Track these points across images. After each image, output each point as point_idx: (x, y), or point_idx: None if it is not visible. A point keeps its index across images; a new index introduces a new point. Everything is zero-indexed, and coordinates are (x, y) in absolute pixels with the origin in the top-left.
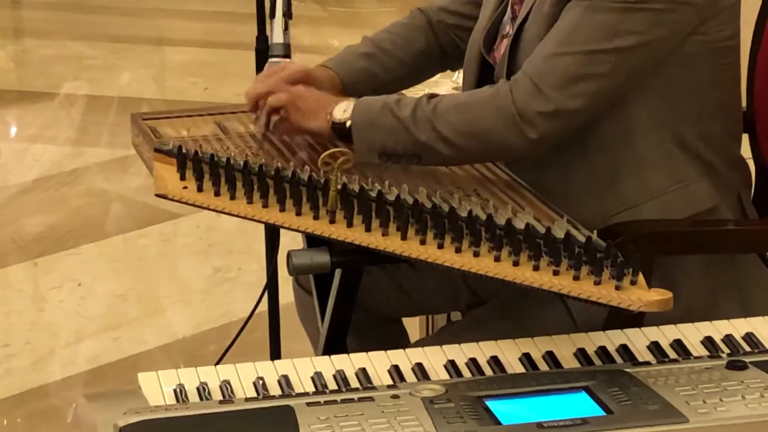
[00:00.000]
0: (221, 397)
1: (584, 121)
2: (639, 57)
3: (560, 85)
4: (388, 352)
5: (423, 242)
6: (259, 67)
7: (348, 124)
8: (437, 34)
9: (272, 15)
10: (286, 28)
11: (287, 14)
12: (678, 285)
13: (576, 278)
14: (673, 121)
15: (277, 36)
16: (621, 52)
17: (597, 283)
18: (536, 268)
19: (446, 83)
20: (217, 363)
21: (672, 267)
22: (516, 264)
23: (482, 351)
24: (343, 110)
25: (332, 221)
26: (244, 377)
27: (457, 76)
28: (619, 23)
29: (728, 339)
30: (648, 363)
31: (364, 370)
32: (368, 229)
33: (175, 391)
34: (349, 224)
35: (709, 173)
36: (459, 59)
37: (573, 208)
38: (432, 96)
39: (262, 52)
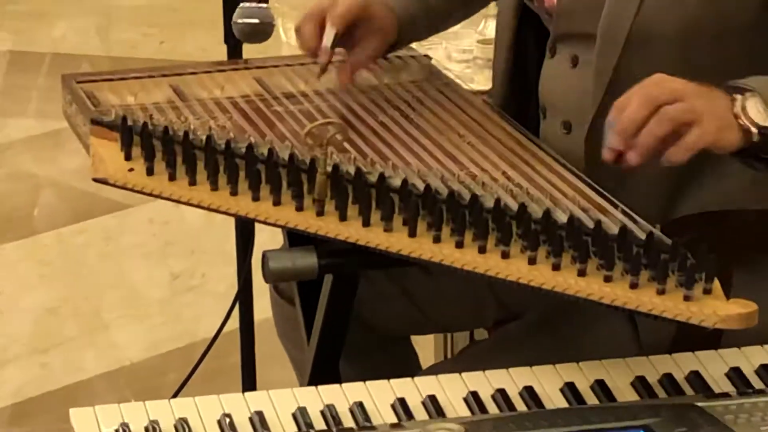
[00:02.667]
0: None
1: None
2: None
3: None
4: (392, 381)
5: (437, 240)
6: (228, 15)
7: None
8: None
9: None
10: None
11: None
12: None
13: (633, 286)
14: None
15: None
16: None
17: (660, 293)
18: (582, 273)
19: (470, 34)
20: (175, 395)
21: (762, 268)
22: (556, 268)
23: (513, 380)
24: (758, 110)
25: (320, 213)
26: (207, 414)
27: (483, 26)
28: None
29: None
30: (727, 395)
31: (360, 404)
32: (366, 224)
33: None
34: (342, 217)
35: None
36: None
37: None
38: None
39: None
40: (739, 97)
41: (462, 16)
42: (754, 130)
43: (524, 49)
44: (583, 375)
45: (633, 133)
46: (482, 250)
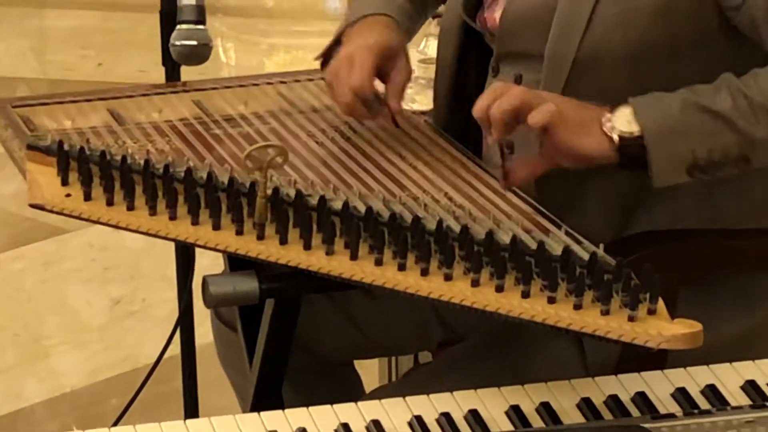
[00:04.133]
0: None
1: None
2: None
3: None
4: (336, 405)
5: (379, 263)
6: (166, 36)
7: (642, 137)
8: None
9: None
10: None
11: None
12: (717, 311)
13: (577, 307)
14: None
15: None
16: None
17: (605, 313)
18: (526, 295)
19: (411, 54)
20: (117, 422)
21: (710, 286)
22: (500, 289)
23: (458, 403)
24: (627, 120)
25: (261, 237)
26: None
27: (424, 45)
28: None
29: None
30: (672, 416)
31: (303, 430)
32: (308, 247)
33: None
34: (283, 241)
35: None
36: None
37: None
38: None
39: (169, 16)
40: (612, 108)
41: (424, 20)
42: (615, 136)
43: (466, 68)
44: (528, 397)
45: (486, 109)
46: (425, 272)
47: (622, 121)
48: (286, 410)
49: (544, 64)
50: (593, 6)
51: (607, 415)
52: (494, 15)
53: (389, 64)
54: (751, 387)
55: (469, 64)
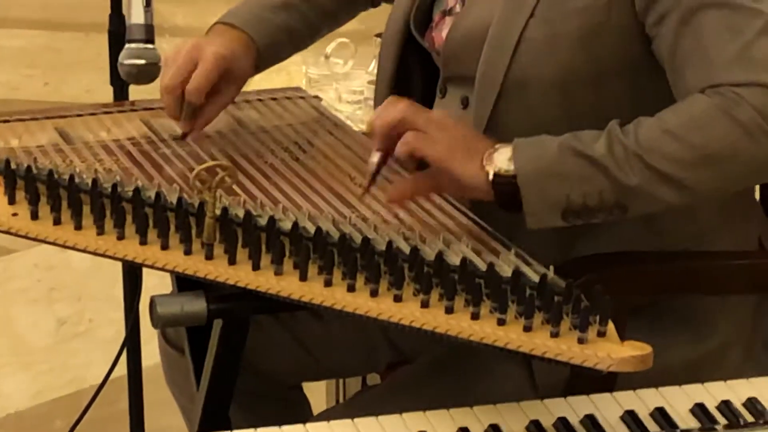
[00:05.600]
0: None
1: None
2: None
3: None
4: (284, 427)
5: (328, 283)
6: (114, 56)
7: (515, 177)
8: None
9: None
10: (147, 5)
11: None
12: (666, 334)
13: (527, 329)
14: None
15: (135, 15)
16: None
17: (554, 335)
18: (475, 317)
19: (361, 75)
20: None
21: (660, 309)
22: (449, 311)
23: (406, 425)
24: (507, 158)
25: (209, 257)
26: None
27: (374, 67)
28: None
29: (725, 406)
30: None
31: None
32: (256, 267)
33: None
34: (232, 261)
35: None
36: None
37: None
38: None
39: (117, 35)
40: (498, 145)
41: (327, 31)
42: (491, 171)
43: (407, 81)
44: (476, 419)
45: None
46: (374, 293)
47: (502, 159)
48: None
49: (475, 84)
50: (521, 30)
51: None
52: (441, 35)
53: (221, 79)
54: (700, 410)
55: (410, 78)
